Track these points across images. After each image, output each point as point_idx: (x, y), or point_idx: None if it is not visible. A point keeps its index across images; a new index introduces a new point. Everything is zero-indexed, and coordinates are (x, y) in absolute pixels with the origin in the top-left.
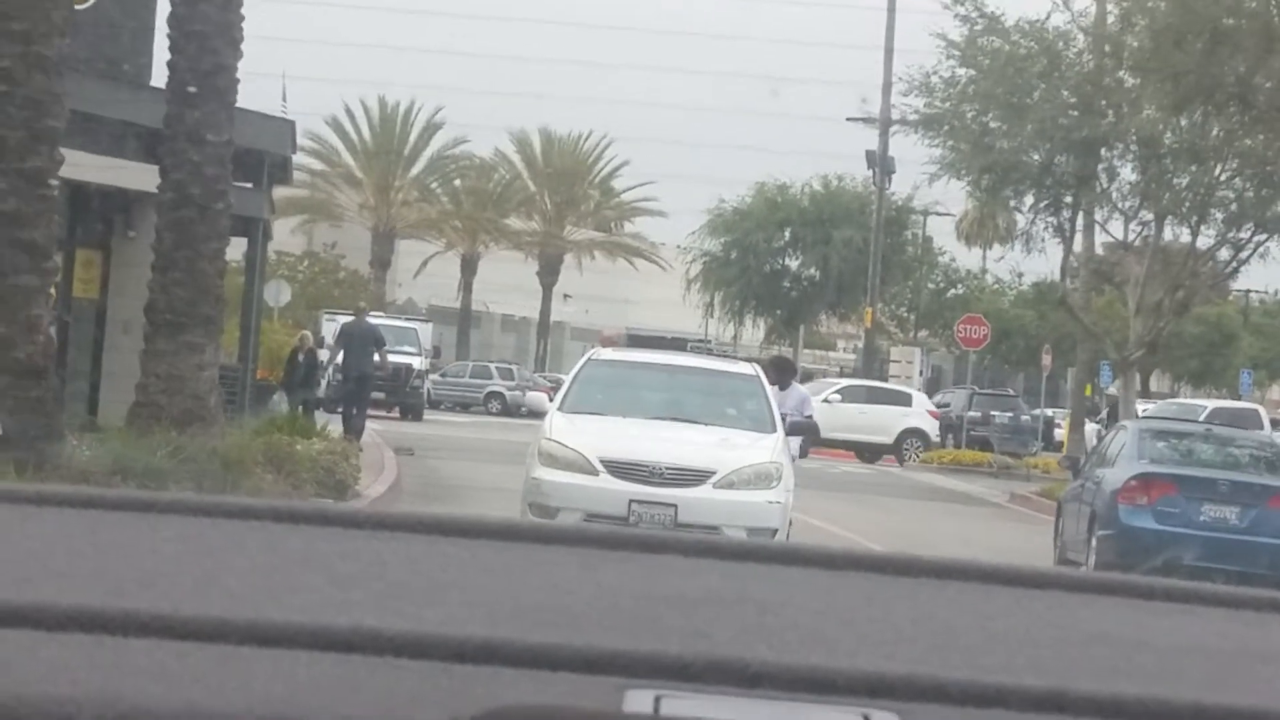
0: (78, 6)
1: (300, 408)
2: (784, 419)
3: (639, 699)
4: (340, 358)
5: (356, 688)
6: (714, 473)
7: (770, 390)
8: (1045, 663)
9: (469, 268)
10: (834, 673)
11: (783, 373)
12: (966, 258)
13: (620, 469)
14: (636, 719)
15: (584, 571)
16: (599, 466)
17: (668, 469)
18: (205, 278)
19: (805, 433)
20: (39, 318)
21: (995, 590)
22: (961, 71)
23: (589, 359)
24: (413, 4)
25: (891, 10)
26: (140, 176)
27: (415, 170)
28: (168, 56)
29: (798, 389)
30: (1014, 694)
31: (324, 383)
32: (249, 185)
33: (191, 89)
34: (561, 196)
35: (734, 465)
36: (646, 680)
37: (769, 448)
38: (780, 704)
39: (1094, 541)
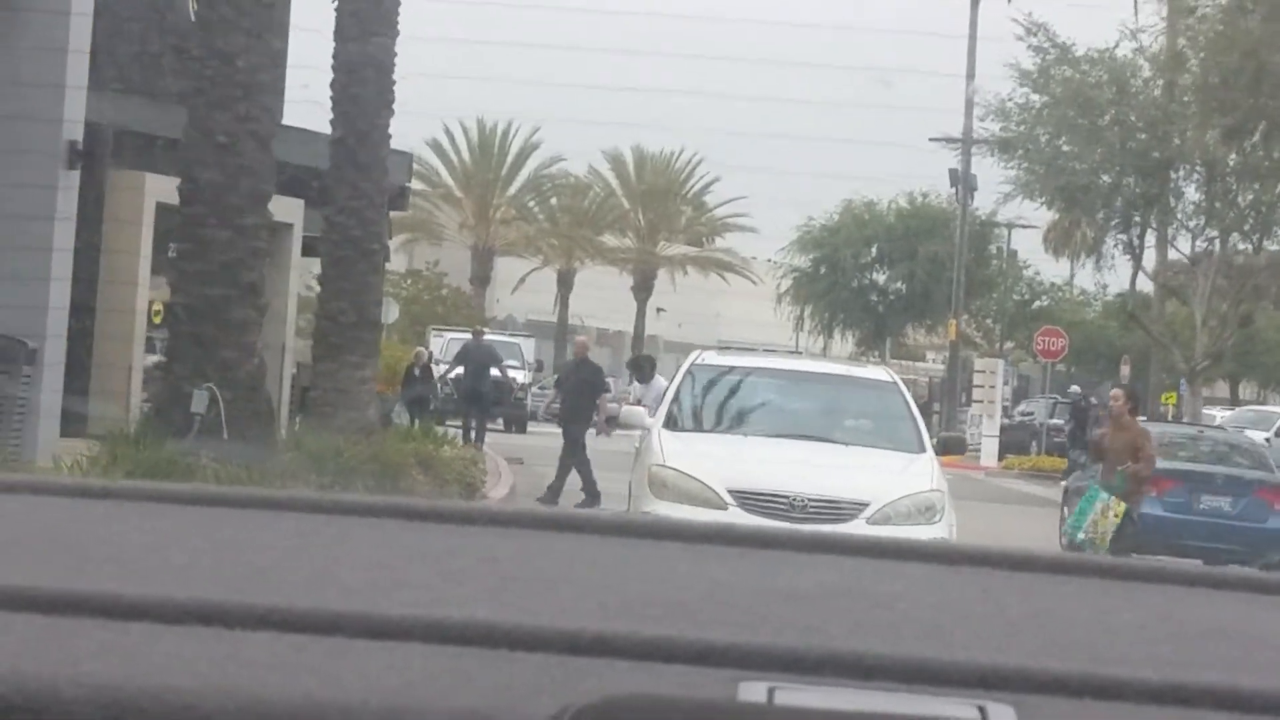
0: None
1: (417, 419)
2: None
3: (753, 690)
4: (457, 374)
5: (470, 679)
6: (867, 505)
7: (910, 398)
8: (1162, 656)
9: (565, 283)
10: (949, 665)
11: (642, 369)
12: (1054, 269)
13: (753, 502)
14: (751, 710)
15: (697, 566)
16: (728, 499)
17: (811, 502)
18: (364, 308)
19: (958, 448)
20: (253, 343)
21: (1110, 585)
22: (1035, 97)
23: (692, 363)
24: (512, 35)
25: (973, 34)
26: (282, 209)
27: (513, 190)
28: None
29: (659, 380)
30: (1131, 687)
31: (439, 396)
32: None
33: (351, 144)
34: (654, 213)
35: (891, 496)
36: (760, 672)
37: (926, 473)
38: (895, 696)
39: None
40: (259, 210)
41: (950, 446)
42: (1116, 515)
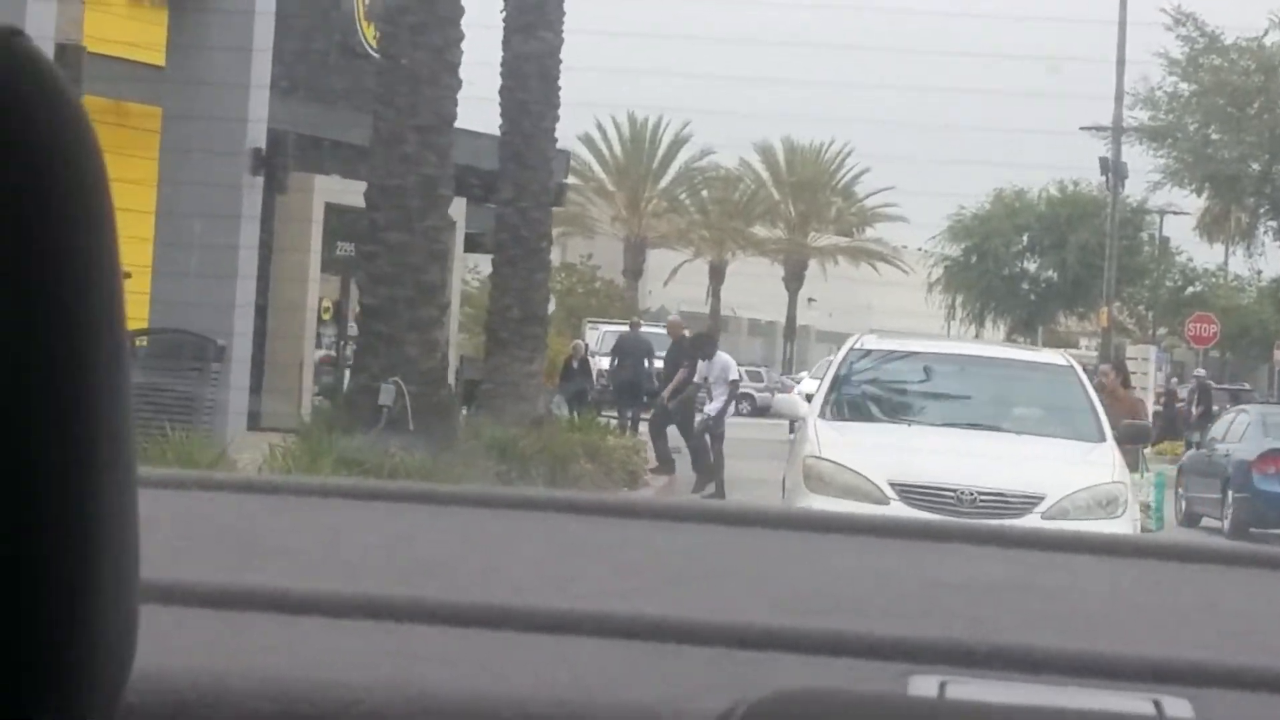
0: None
1: (576, 411)
2: (730, 384)
3: (924, 684)
4: (615, 365)
5: (640, 674)
6: (1041, 498)
7: (1089, 383)
8: None
9: (717, 275)
10: (1122, 658)
11: (704, 346)
12: (1207, 254)
13: (917, 495)
14: (922, 704)
15: (864, 558)
16: (890, 493)
17: (981, 495)
18: (532, 304)
19: (1141, 438)
20: (436, 340)
21: None
22: (1184, 86)
23: (851, 348)
24: (660, 29)
25: (1123, 22)
26: None
27: (664, 182)
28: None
29: (721, 356)
30: None
31: (596, 388)
32: None
33: (518, 145)
34: (805, 204)
35: (1068, 488)
36: (931, 666)
37: (1107, 463)
38: (1067, 689)
39: (1229, 502)
40: (439, 214)
41: (1133, 435)
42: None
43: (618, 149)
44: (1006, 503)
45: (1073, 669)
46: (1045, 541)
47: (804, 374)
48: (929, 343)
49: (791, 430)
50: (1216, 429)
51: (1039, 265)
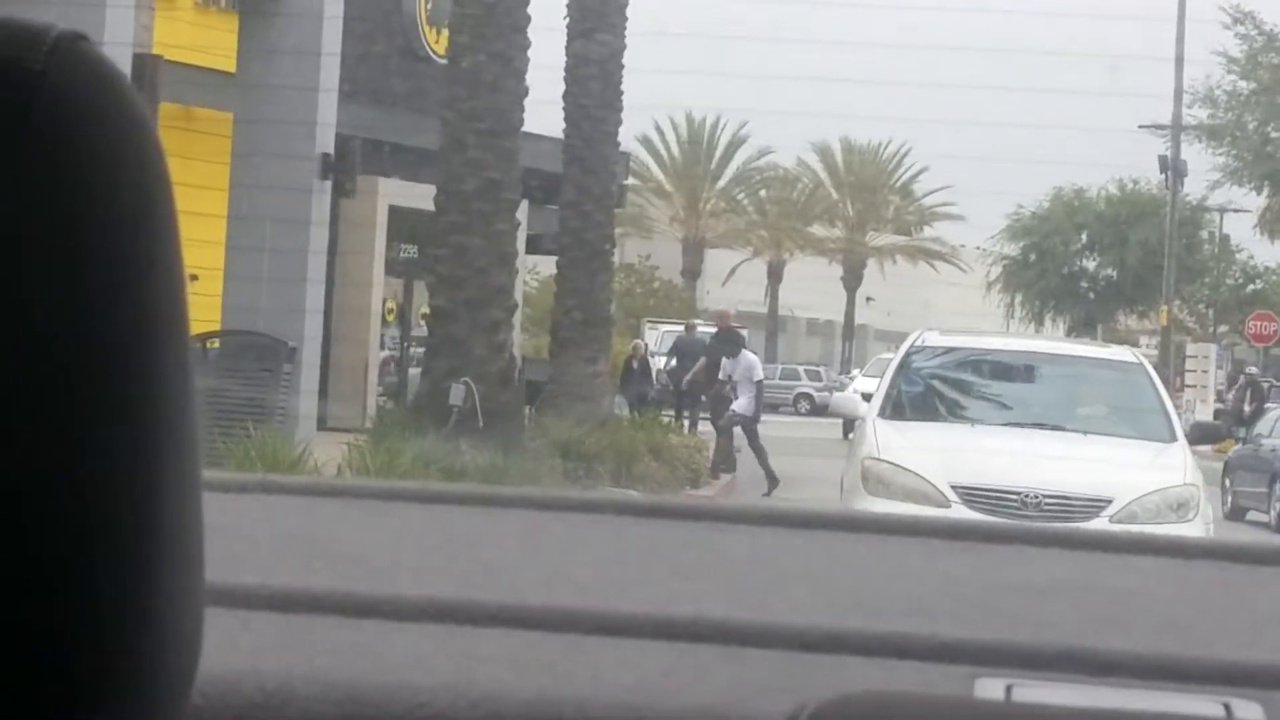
0: (442, 59)
1: (637, 410)
2: (755, 384)
3: (990, 687)
4: (672, 365)
5: (704, 676)
6: (1109, 501)
7: (1159, 380)
8: None
9: (775, 274)
10: (1191, 661)
11: (730, 343)
12: (1269, 252)
13: (979, 498)
14: (988, 707)
15: (929, 561)
16: (951, 495)
17: (1046, 498)
18: (597, 305)
19: (1213, 437)
20: (504, 341)
21: None
22: (1243, 84)
23: (912, 345)
24: (718, 30)
25: (1181, 21)
26: None
27: (722, 183)
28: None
29: (746, 355)
30: None
31: (656, 387)
32: None
33: (582, 150)
34: (863, 203)
35: (1137, 491)
36: (996, 668)
37: (1178, 464)
38: (1136, 692)
39: (1276, 496)
40: (506, 218)
41: (1206, 435)
42: None
43: (675, 150)
44: (1072, 506)
45: (1141, 671)
46: (1111, 543)
47: (856, 372)
48: (993, 339)
49: (846, 432)
50: (1263, 424)
51: (1098, 264)
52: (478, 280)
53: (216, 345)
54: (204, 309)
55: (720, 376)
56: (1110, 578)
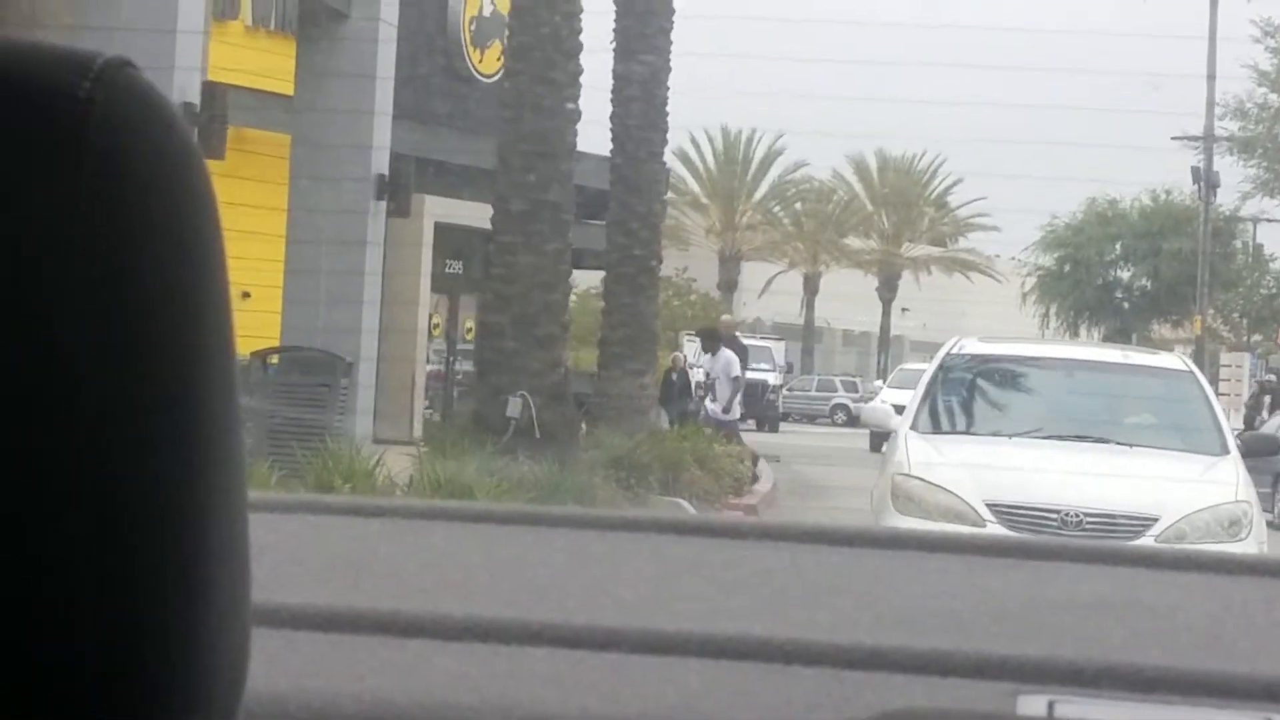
0: (486, 79)
1: (676, 422)
2: (733, 380)
3: (1032, 703)
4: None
5: (747, 694)
6: (1155, 520)
7: (1210, 390)
8: None
9: (810, 286)
10: (1233, 677)
11: (709, 340)
12: None
13: (1016, 517)
14: None
15: (970, 578)
16: (986, 514)
17: (1088, 516)
18: (644, 319)
19: (1270, 449)
20: (558, 356)
21: None
22: (1274, 97)
23: (947, 353)
24: (752, 47)
25: (1213, 36)
26: None
27: (758, 196)
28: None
29: (725, 353)
30: None
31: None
32: None
33: (628, 170)
34: (898, 215)
35: (1186, 509)
36: (1039, 685)
37: (1229, 480)
38: (1178, 708)
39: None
40: (561, 237)
41: (1260, 447)
42: None
43: (711, 163)
44: (1116, 525)
45: (1184, 688)
46: (1153, 559)
47: (878, 383)
48: (1033, 346)
49: (875, 445)
50: (1270, 425)
51: (1132, 274)
52: (533, 298)
53: (276, 361)
54: (264, 326)
55: (700, 374)
56: (1153, 594)
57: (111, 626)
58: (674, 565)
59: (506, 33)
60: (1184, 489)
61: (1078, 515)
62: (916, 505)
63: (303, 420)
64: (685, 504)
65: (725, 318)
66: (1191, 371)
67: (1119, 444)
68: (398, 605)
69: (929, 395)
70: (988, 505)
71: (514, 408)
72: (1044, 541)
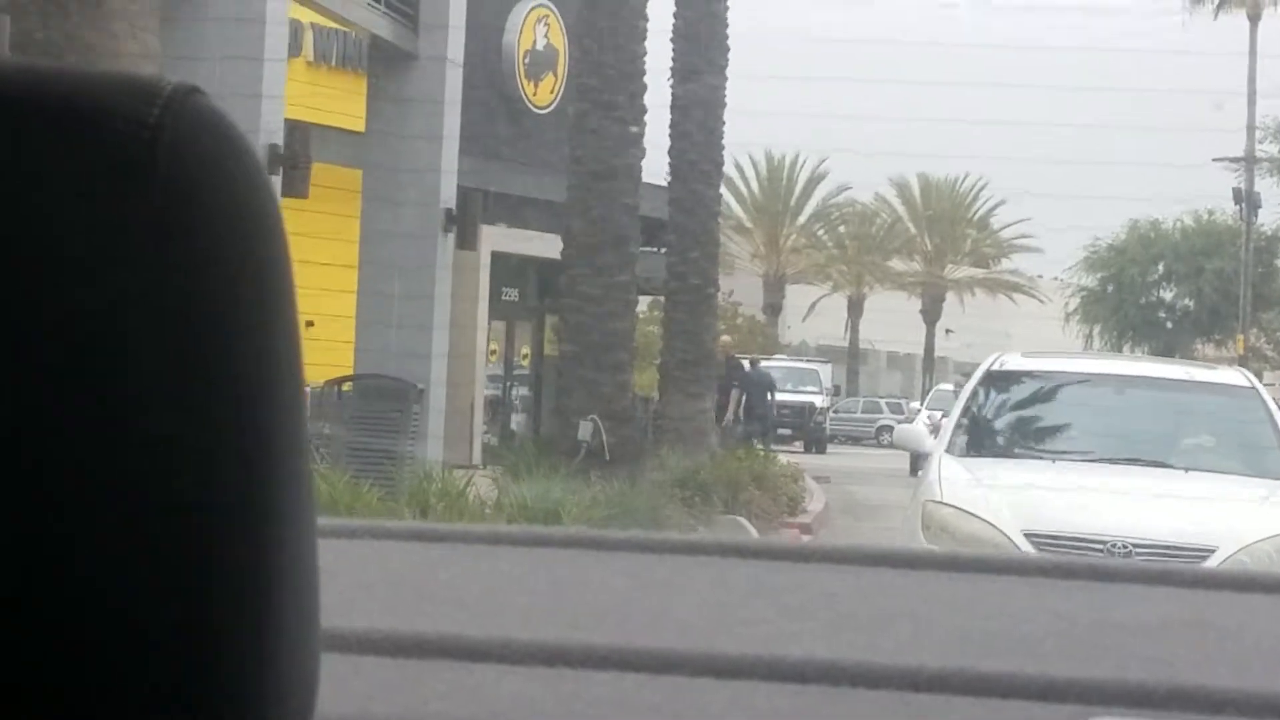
0: (540, 110)
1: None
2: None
3: None
4: (743, 400)
5: (810, 717)
6: (1212, 551)
7: (1275, 408)
8: None
9: (855, 308)
10: None
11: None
12: None
13: (1058, 548)
14: None
15: (1036, 600)
16: (1024, 544)
17: (1137, 547)
18: (703, 345)
19: None
20: (625, 381)
21: None
22: None
23: (987, 370)
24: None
25: (1253, 54)
26: None
27: (802, 219)
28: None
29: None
30: None
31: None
32: None
33: (689, 202)
34: (940, 237)
35: (1247, 538)
36: (1107, 707)
37: None
38: None
39: None
40: (627, 269)
41: None
42: None
43: (755, 187)
44: (1168, 557)
45: (1253, 709)
46: (1220, 580)
47: (915, 405)
48: (1082, 361)
49: (914, 468)
50: None
51: (1175, 294)
52: (602, 327)
53: (350, 389)
54: (338, 354)
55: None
56: (1220, 615)
57: (183, 651)
58: (736, 589)
59: (563, 67)
60: (1244, 516)
61: (1125, 546)
62: (948, 535)
63: (376, 445)
64: (745, 522)
65: (723, 339)
66: (1254, 387)
67: (1175, 467)
68: (462, 630)
69: (966, 414)
70: (1025, 535)
71: (585, 431)
72: (1108, 563)
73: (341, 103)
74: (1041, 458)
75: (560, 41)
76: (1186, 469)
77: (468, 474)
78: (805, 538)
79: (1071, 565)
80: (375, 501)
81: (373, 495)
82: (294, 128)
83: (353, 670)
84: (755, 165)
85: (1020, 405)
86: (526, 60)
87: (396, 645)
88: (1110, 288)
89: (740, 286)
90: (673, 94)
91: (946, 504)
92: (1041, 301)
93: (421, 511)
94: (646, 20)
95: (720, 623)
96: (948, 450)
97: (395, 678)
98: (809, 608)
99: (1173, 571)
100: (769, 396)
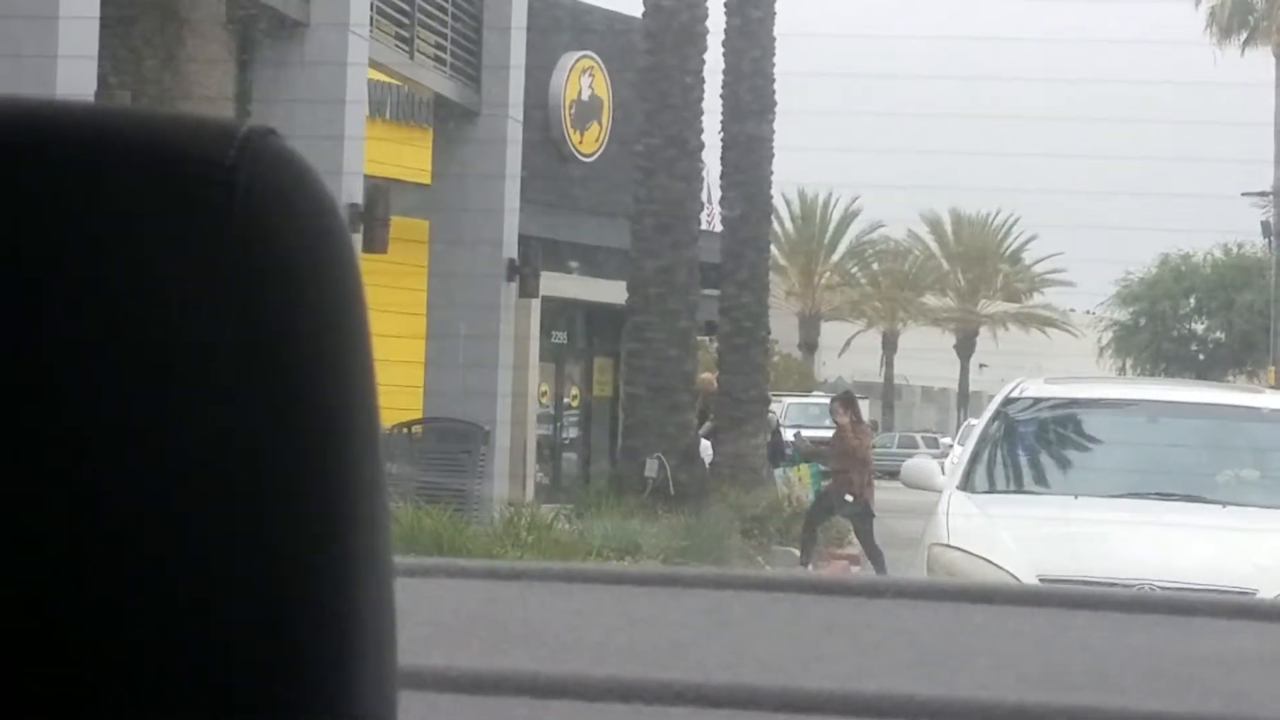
0: (585, 158)
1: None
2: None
3: None
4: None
5: None
6: (1253, 594)
7: None
8: None
9: (889, 344)
10: None
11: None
12: None
13: None
14: None
15: (1116, 634)
16: None
17: (1166, 590)
18: (755, 386)
19: None
20: (687, 420)
21: None
22: None
23: (1006, 397)
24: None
25: (1279, 89)
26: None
27: (836, 256)
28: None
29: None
30: None
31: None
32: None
33: (740, 250)
34: (973, 273)
35: None
36: None
37: None
38: None
39: None
40: (689, 315)
41: None
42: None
43: (789, 225)
44: None
45: None
46: None
47: (947, 441)
48: (1110, 386)
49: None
50: None
51: (1206, 326)
52: (666, 369)
53: (419, 431)
54: (410, 398)
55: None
56: None
57: (264, 689)
58: (813, 624)
59: (607, 116)
60: None
61: (1152, 589)
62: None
63: (445, 485)
64: (796, 552)
65: (705, 376)
66: None
67: (1213, 502)
68: (539, 666)
69: (981, 447)
70: (1041, 580)
71: (651, 468)
72: (1189, 597)
73: (415, 158)
74: (1063, 493)
75: (604, 92)
76: (1225, 504)
77: (543, 509)
78: (854, 568)
79: (1151, 599)
80: (467, 533)
81: (472, 529)
82: (373, 185)
83: (430, 708)
84: (789, 204)
85: (1040, 436)
86: (572, 110)
87: (473, 682)
88: (1143, 321)
89: (776, 324)
90: (722, 141)
91: (953, 547)
92: (1075, 336)
93: (513, 543)
94: (704, 87)
95: (797, 658)
96: (960, 486)
97: (472, 714)
98: (886, 643)
99: (1251, 605)
100: (786, 434)
